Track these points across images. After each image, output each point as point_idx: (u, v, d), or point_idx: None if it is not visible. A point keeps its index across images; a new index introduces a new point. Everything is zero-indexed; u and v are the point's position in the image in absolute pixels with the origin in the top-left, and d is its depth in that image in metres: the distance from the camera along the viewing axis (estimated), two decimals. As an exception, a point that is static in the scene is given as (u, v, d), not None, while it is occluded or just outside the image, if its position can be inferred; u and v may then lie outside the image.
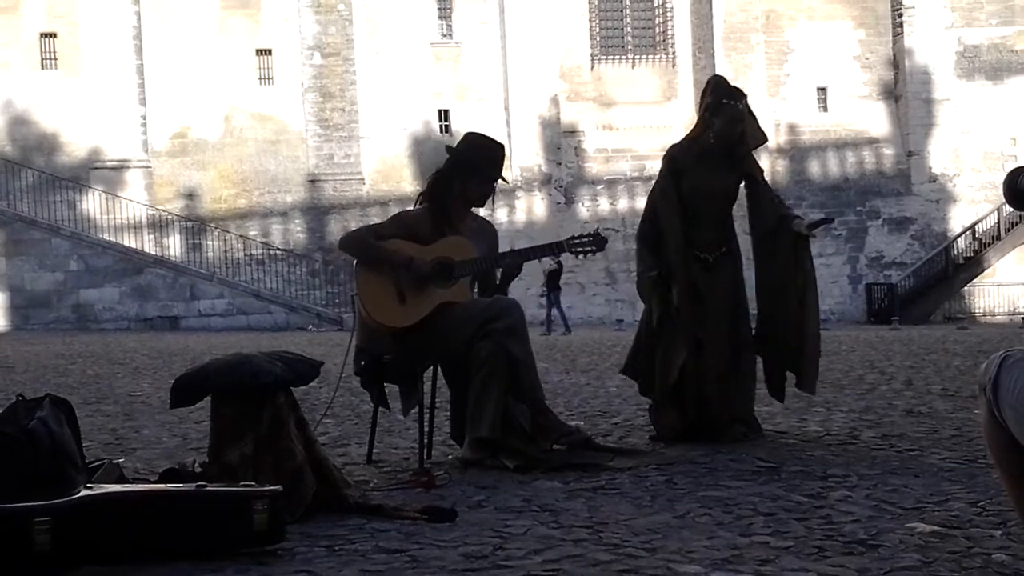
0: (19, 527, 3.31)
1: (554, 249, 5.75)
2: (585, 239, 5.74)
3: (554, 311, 27.88)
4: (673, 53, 37.99)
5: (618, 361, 13.48)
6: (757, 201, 6.17)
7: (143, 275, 31.10)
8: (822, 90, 36.71)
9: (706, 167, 6.07)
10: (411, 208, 5.77)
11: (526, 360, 5.33)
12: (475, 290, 5.68)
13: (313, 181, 35.29)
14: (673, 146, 6.32)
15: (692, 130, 6.27)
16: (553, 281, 27.90)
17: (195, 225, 33.76)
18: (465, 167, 5.60)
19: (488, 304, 5.44)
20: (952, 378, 9.96)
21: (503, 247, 5.82)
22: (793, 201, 33.36)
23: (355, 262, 5.55)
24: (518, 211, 36.06)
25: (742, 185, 6.23)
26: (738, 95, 6.08)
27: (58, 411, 3.78)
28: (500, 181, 5.77)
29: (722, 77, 6.37)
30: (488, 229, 5.82)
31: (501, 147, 5.81)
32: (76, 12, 33.94)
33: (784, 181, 35.24)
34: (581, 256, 5.82)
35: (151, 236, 33.20)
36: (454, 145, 5.79)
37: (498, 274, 5.74)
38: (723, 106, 6.03)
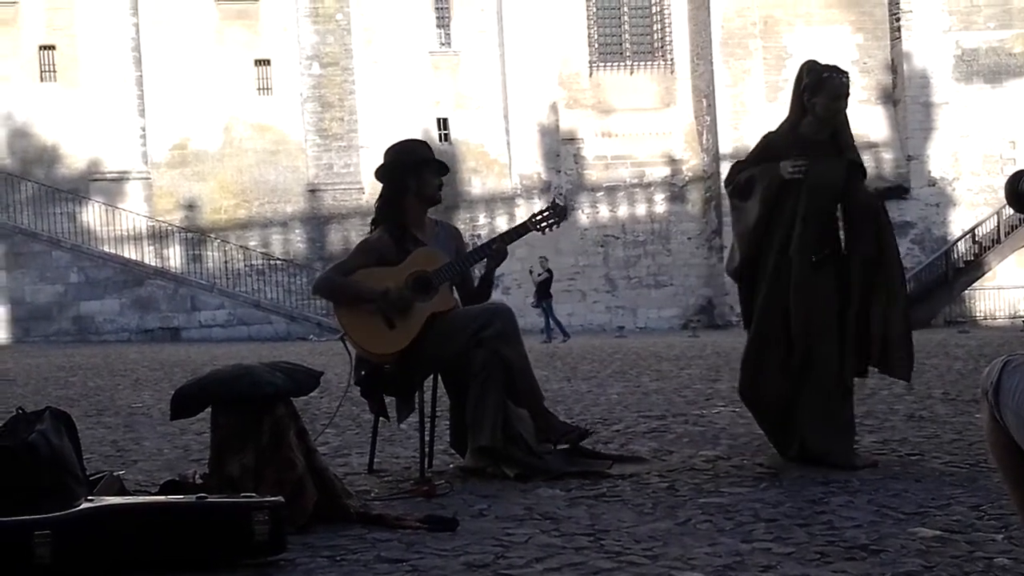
0: (19, 540, 3.31)
1: (520, 231, 5.72)
2: (546, 212, 5.73)
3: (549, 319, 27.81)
4: (671, 59, 37.99)
5: (619, 368, 13.50)
6: (855, 192, 5.58)
7: (144, 286, 31.09)
8: (820, 95, 36.65)
9: (808, 154, 5.47)
10: (370, 235, 5.71)
11: (520, 363, 5.33)
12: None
13: (313, 191, 35.29)
14: (769, 132, 5.78)
15: (787, 118, 5.68)
16: (544, 289, 27.83)
17: (195, 236, 33.75)
18: (410, 169, 5.56)
19: (479, 312, 5.44)
20: (953, 382, 9.95)
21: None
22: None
23: (332, 307, 5.55)
24: (518, 219, 35.80)
25: None
26: (840, 70, 5.57)
27: (58, 423, 3.78)
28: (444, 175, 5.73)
29: (815, 60, 5.75)
30: (452, 231, 5.83)
31: (424, 141, 5.89)
32: (75, 24, 33.96)
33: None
34: (547, 230, 5.78)
35: (151, 247, 33.18)
36: (420, 162, 5.64)
37: (475, 273, 5.75)
38: (825, 80, 5.48)
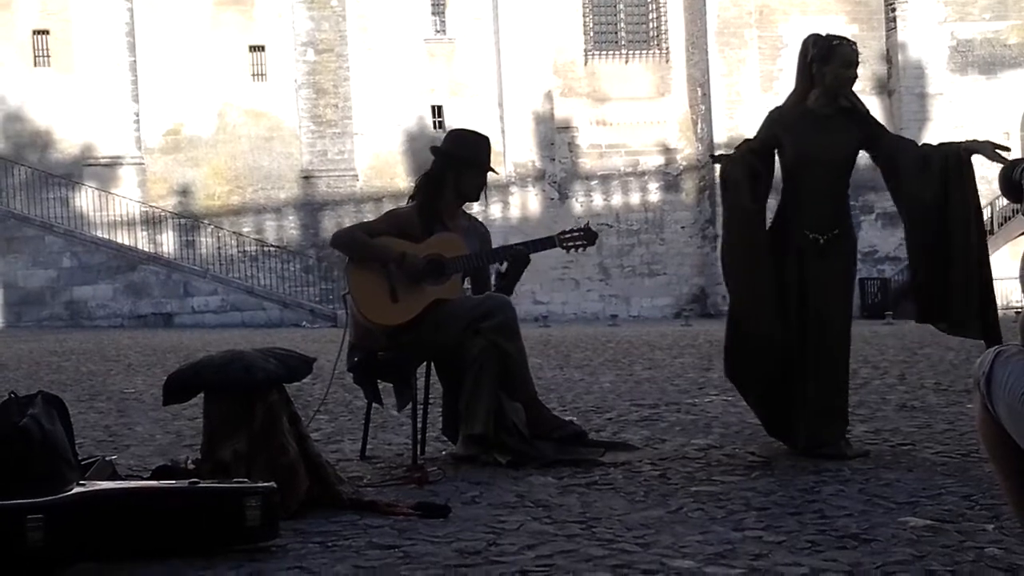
0: (12, 524, 3.30)
1: (545, 244, 5.73)
2: (576, 233, 5.73)
3: None
4: (667, 48, 37.97)
5: (612, 356, 13.50)
6: (890, 146, 5.39)
7: (137, 272, 31.05)
8: (815, 85, 36.69)
9: (815, 128, 5.35)
10: (402, 206, 5.76)
11: (518, 357, 5.34)
12: (467, 287, 5.67)
13: (307, 177, 35.25)
14: (775, 108, 5.60)
15: (792, 92, 5.52)
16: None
17: (189, 222, 33.71)
18: (458, 162, 5.60)
19: (479, 302, 5.44)
20: (945, 372, 9.96)
21: (497, 243, 5.82)
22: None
23: (346, 261, 5.54)
24: (512, 207, 36.06)
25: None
26: (849, 39, 5.40)
27: (51, 408, 3.77)
28: (491, 173, 5.75)
29: (819, 33, 5.55)
30: (480, 229, 5.81)
31: (487, 138, 5.83)
32: (69, 9, 33.86)
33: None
34: (573, 251, 5.79)
35: (144, 233, 33.14)
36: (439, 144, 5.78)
37: (493, 270, 5.74)
38: (835, 48, 5.32)
